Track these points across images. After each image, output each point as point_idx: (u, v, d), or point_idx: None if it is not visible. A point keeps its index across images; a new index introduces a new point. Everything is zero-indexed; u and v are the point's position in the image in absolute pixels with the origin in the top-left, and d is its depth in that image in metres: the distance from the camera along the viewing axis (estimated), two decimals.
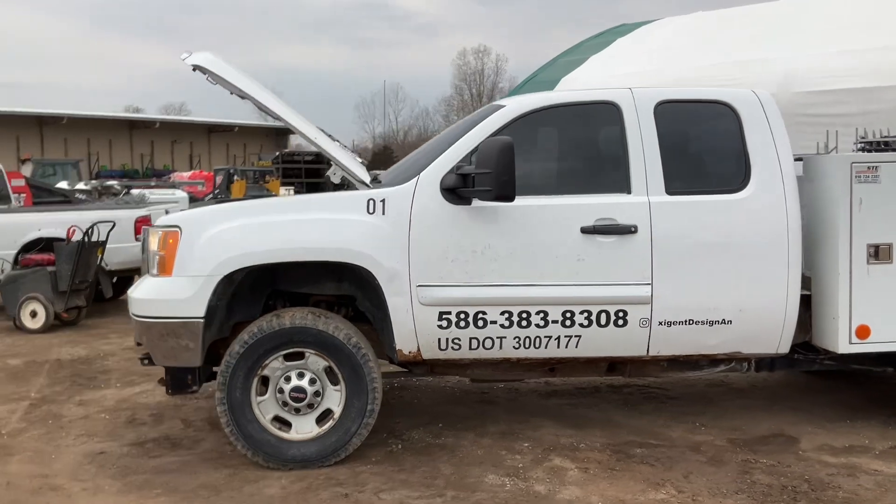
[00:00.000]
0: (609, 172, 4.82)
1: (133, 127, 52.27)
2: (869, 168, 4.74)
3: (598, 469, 4.57)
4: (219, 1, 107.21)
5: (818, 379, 6.36)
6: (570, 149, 4.98)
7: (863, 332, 4.81)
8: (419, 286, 4.60)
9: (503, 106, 4.91)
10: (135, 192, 19.39)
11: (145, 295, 4.66)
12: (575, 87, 9.71)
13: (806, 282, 4.89)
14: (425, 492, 4.28)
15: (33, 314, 9.02)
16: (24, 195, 17.78)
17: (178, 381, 4.81)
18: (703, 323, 4.75)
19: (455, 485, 4.36)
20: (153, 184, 25.14)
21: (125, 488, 4.39)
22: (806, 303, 4.88)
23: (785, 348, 4.88)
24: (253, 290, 5.00)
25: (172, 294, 4.56)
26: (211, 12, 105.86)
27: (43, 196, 17.81)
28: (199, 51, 4.82)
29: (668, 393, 6.15)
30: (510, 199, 4.45)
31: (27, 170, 26.52)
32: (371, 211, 4.62)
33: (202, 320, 4.53)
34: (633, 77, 8.95)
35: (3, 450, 5.05)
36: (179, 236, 4.58)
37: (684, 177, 4.82)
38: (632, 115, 4.79)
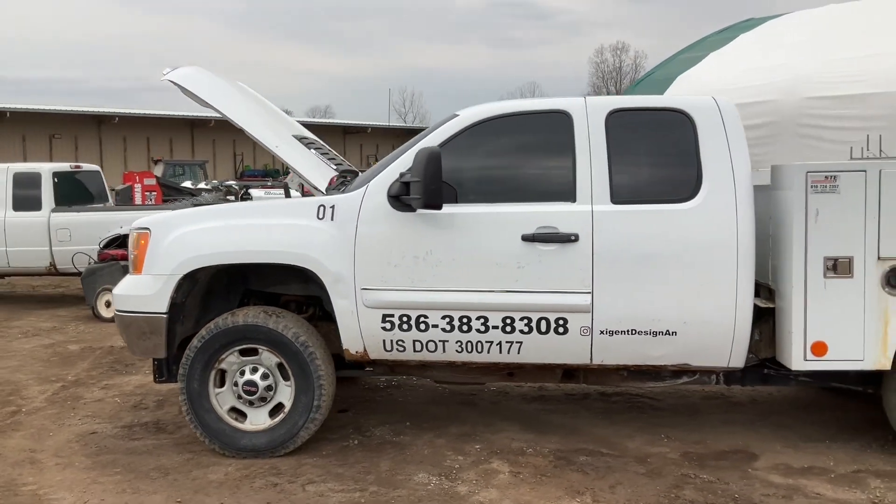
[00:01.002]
0: (556, 181, 4.83)
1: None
2: (826, 177, 4.54)
3: (529, 474, 4.63)
4: (368, 4, 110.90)
5: (827, 396, 6.08)
6: (520, 157, 5.02)
7: (819, 349, 4.61)
8: (363, 289, 4.80)
9: (458, 115, 5.03)
10: (253, 192, 20.56)
11: (121, 291, 5.09)
12: (690, 85, 9.35)
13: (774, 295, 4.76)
14: (350, 486, 4.48)
15: (107, 304, 9.80)
16: (155, 193, 19.25)
17: (160, 370, 5.22)
18: (646, 333, 4.70)
19: (382, 481, 4.54)
20: (269, 183, 26.39)
21: (92, 465, 4.84)
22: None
23: (738, 362, 4.75)
24: (228, 290, 5.35)
25: (140, 290, 4.97)
26: (359, 16, 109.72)
27: (172, 195, 19.24)
28: (185, 66, 5.22)
29: (656, 404, 6.06)
30: (437, 207, 4.58)
31: (158, 170, 28.54)
32: (321, 217, 4.86)
33: (165, 315, 4.92)
34: (749, 73, 8.65)
35: (14, 425, 5.64)
36: (149, 237, 4.99)
37: (633, 186, 4.78)
38: (582, 123, 4.80)
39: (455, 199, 4.81)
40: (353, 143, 59.13)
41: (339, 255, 4.80)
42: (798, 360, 4.63)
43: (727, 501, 4.25)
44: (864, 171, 4.51)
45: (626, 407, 5.99)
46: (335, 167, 5.58)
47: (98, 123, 39.74)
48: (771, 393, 6.25)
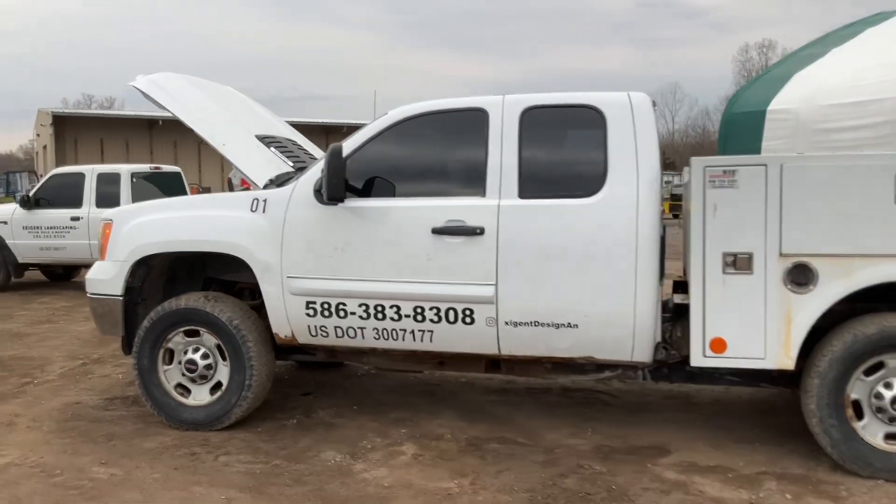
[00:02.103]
0: (470, 176, 4.97)
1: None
2: (725, 172, 4.47)
3: (430, 457, 4.81)
4: (512, 9, 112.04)
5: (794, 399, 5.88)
6: (439, 154, 5.19)
7: (718, 346, 4.55)
8: (289, 277, 5.13)
9: (386, 114, 5.27)
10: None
11: (90, 276, 5.65)
12: (806, 83, 9.04)
13: None
14: (259, 458, 4.81)
15: None
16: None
17: (126, 345, 5.75)
18: (549, 325, 4.78)
19: (291, 457, 4.85)
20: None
21: (55, 429, 5.41)
22: None
23: (643, 357, 4.75)
24: (190, 276, 5.82)
25: (102, 275, 5.51)
26: (502, 21, 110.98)
27: None
28: (156, 72, 5.73)
29: (611, 400, 6.07)
30: (339, 200, 4.86)
31: None
32: (254, 209, 5.23)
33: (120, 298, 5.44)
34: (870, 70, 8.32)
35: (18, 394, 6.34)
36: (111, 227, 5.52)
37: (542, 181, 4.86)
38: (497, 120, 4.94)
39: (377, 193, 5.06)
40: None
41: (268, 246, 5.15)
42: (697, 356, 4.59)
43: (600, 492, 4.28)
44: (765, 165, 4.42)
45: (579, 402, 6.02)
46: (292, 164, 5.93)
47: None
48: (740, 395, 6.10)
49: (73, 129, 45.11)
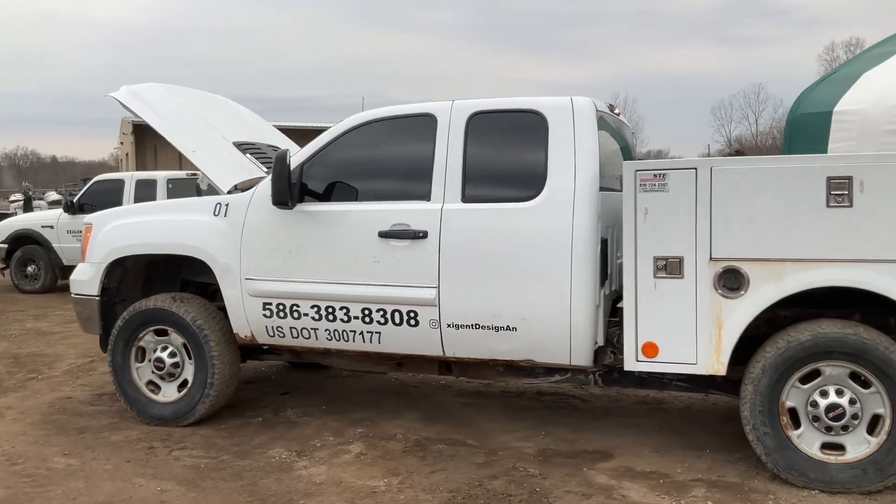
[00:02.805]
0: (418, 181, 5.05)
1: None
2: (655, 175, 4.45)
3: (372, 457, 4.91)
4: (591, 10, 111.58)
5: None
6: (390, 159, 5.28)
7: (650, 350, 4.52)
8: (247, 279, 5.32)
9: (343, 121, 5.41)
10: None
11: (73, 276, 5.95)
12: (873, 83, 8.86)
13: None
14: (210, 454, 5.00)
15: None
16: None
17: (103, 342, 6.01)
18: (489, 328, 4.83)
19: (240, 453, 5.02)
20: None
21: (38, 422, 5.72)
22: None
23: (582, 360, 4.75)
24: (167, 278, 6.07)
25: (82, 276, 5.81)
26: (580, 23, 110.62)
27: None
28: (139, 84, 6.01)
29: (580, 405, 6.06)
30: (284, 205, 5.01)
31: None
32: (216, 214, 5.43)
33: (97, 298, 5.72)
34: None
35: (19, 388, 6.71)
36: (91, 231, 5.81)
37: (485, 185, 4.92)
38: (445, 126, 5.02)
39: (330, 198, 5.21)
40: None
41: (228, 248, 5.35)
42: (630, 360, 4.57)
43: (523, 493, 4.31)
44: (695, 168, 4.38)
45: (547, 405, 6.03)
46: (266, 170, 6.12)
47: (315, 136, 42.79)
48: (716, 402, 6.00)
49: (152, 138, 46.73)
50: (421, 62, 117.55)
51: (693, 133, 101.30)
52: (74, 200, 12.90)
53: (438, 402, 6.15)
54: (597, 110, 4.89)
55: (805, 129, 6.39)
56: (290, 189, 5.07)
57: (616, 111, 5.54)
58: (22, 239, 13.13)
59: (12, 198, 37.36)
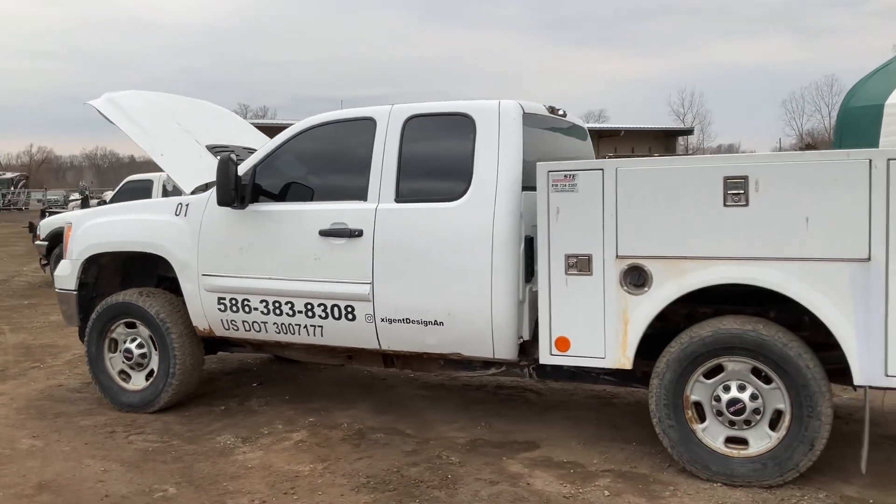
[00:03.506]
0: (357, 182, 5.30)
1: None
2: (566, 176, 4.60)
3: (309, 443, 5.18)
4: (661, 3, 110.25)
5: None
6: (333, 160, 5.54)
7: (562, 344, 4.68)
8: (203, 275, 5.65)
9: (294, 124, 5.69)
10: None
11: (56, 272, 6.38)
12: None
13: None
14: (163, 438, 5.34)
15: None
16: None
17: (81, 334, 6.42)
18: (418, 323, 5.04)
19: (191, 438, 5.35)
20: None
21: (23, 406, 6.17)
22: None
23: (506, 354, 4.92)
24: (144, 274, 6.46)
25: (62, 272, 6.23)
26: (656, 15, 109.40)
27: None
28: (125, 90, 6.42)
29: (534, 398, 6.22)
30: (228, 205, 5.31)
31: None
32: (177, 213, 5.78)
33: (75, 292, 6.13)
34: None
35: (18, 376, 7.19)
36: (71, 230, 6.23)
37: (418, 186, 5.13)
38: (383, 129, 5.25)
39: (278, 198, 5.50)
40: (607, 146, 58.94)
41: (187, 246, 5.69)
42: (545, 354, 4.74)
43: (434, 479, 4.52)
44: (602, 169, 4.52)
45: (501, 398, 6.22)
46: None
47: None
48: None
49: None
50: (489, 59, 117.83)
51: (763, 127, 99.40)
52: (108, 200, 13.54)
53: (397, 394, 6.39)
54: (525, 113, 5.05)
55: (856, 123, 6.37)
56: (238, 190, 5.37)
57: (560, 112, 5.68)
58: (61, 236, 13.81)
59: (72, 197, 39.01)
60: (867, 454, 4.14)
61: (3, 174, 71.02)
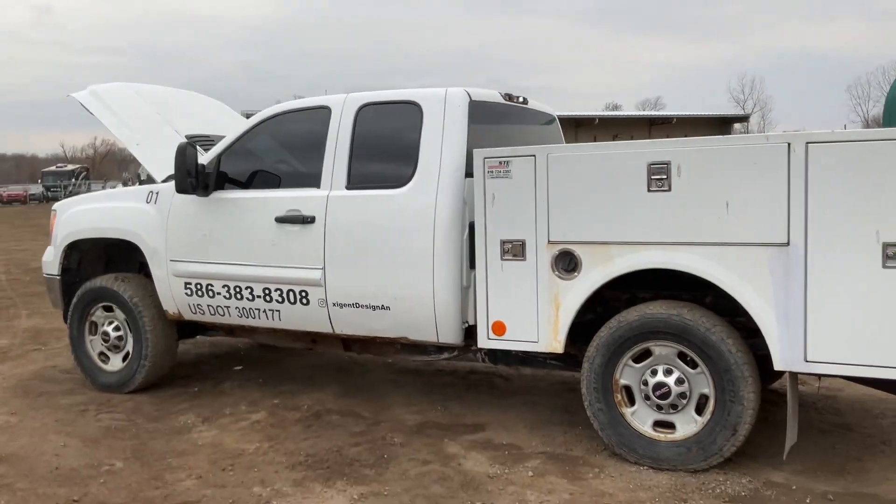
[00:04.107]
0: (311, 169, 5.43)
1: (579, 126, 53.93)
2: (501, 163, 4.65)
3: (264, 424, 5.35)
4: None
5: None
6: (290, 149, 5.68)
7: (498, 329, 4.75)
8: (171, 261, 5.85)
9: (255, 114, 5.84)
10: None
11: (43, 258, 6.66)
12: None
13: None
14: (130, 417, 5.57)
15: None
16: None
17: (65, 316, 6.69)
18: (367, 307, 5.16)
19: (157, 418, 5.56)
20: None
21: (13, 385, 6.48)
22: None
23: (450, 338, 5.00)
24: (127, 260, 6.70)
25: (47, 257, 6.52)
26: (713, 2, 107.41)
27: None
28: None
29: (502, 384, 6.29)
30: (185, 192, 5.49)
31: None
32: (148, 201, 5.99)
33: (58, 277, 6.41)
34: None
35: (19, 357, 7.52)
36: (56, 217, 6.50)
37: (368, 173, 5.24)
38: (337, 117, 5.37)
39: (240, 186, 5.67)
40: (658, 134, 57.77)
41: (156, 233, 5.90)
42: (483, 338, 4.81)
43: (370, 459, 4.64)
44: (534, 155, 4.56)
45: (469, 384, 6.30)
46: None
47: None
48: None
49: None
50: (548, 46, 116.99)
51: (827, 113, 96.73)
52: None
53: (368, 378, 6.52)
54: (472, 101, 5.10)
55: None
56: (199, 178, 5.55)
57: (519, 99, 5.72)
58: None
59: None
60: (791, 441, 4.13)
61: (65, 166, 73.19)
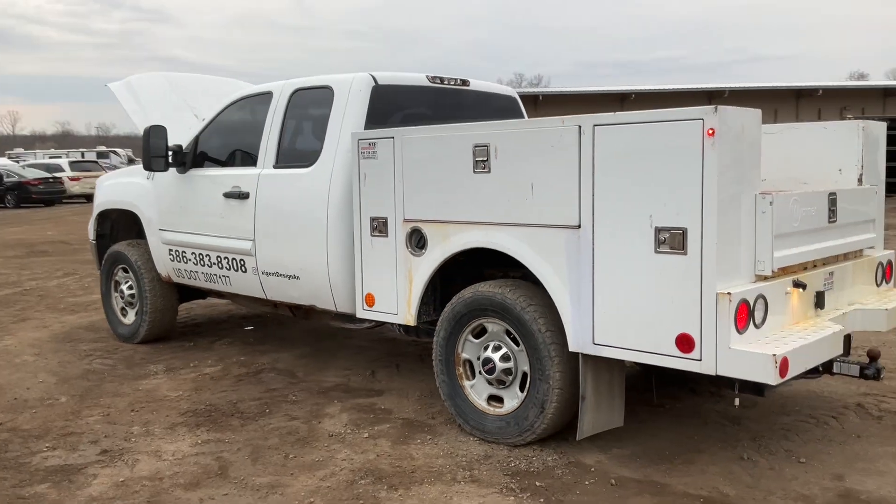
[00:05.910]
0: (253, 150, 5.98)
1: (800, 97, 47.72)
2: (370, 144, 4.94)
3: (208, 378, 6.02)
4: None
5: None
6: (243, 131, 6.22)
7: (370, 300, 5.06)
8: (160, 230, 6.69)
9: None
10: None
11: (88, 226, 7.78)
12: None
13: None
14: (114, 364, 6.48)
15: None
16: None
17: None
18: (284, 276, 5.67)
19: (136, 364, 6.43)
20: None
21: (61, 331, 7.65)
22: None
23: (346, 308, 5.38)
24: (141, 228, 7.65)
25: (91, 226, 7.62)
26: None
27: None
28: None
29: None
30: (151, 169, 6.23)
31: None
32: (147, 177, 6.86)
33: (94, 242, 7.50)
34: None
35: (43, 321, 8.58)
36: (96, 189, 7.58)
37: (290, 153, 5.72)
38: (275, 101, 5.89)
39: (207, 164, 6.37)
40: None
41: (151, 204, 6.76)
42: (359, 309, 5.16)
43: (253, 413, 5.16)
44: (392, 137, 4.82)
45: (426, 355, 6.60)
46: None
47: (620, 101, 41.13)
48: None
49: None
50: (788, 9, 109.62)
51: None
52: None
53: (340, 345, 7.01)
54: (378, 85, 5.41)
55: None
56: (176, 157, 6.31)
57: (452, 82, 5.90)
58: None
59: None
60: (587, 423, 4.14)
61: None
